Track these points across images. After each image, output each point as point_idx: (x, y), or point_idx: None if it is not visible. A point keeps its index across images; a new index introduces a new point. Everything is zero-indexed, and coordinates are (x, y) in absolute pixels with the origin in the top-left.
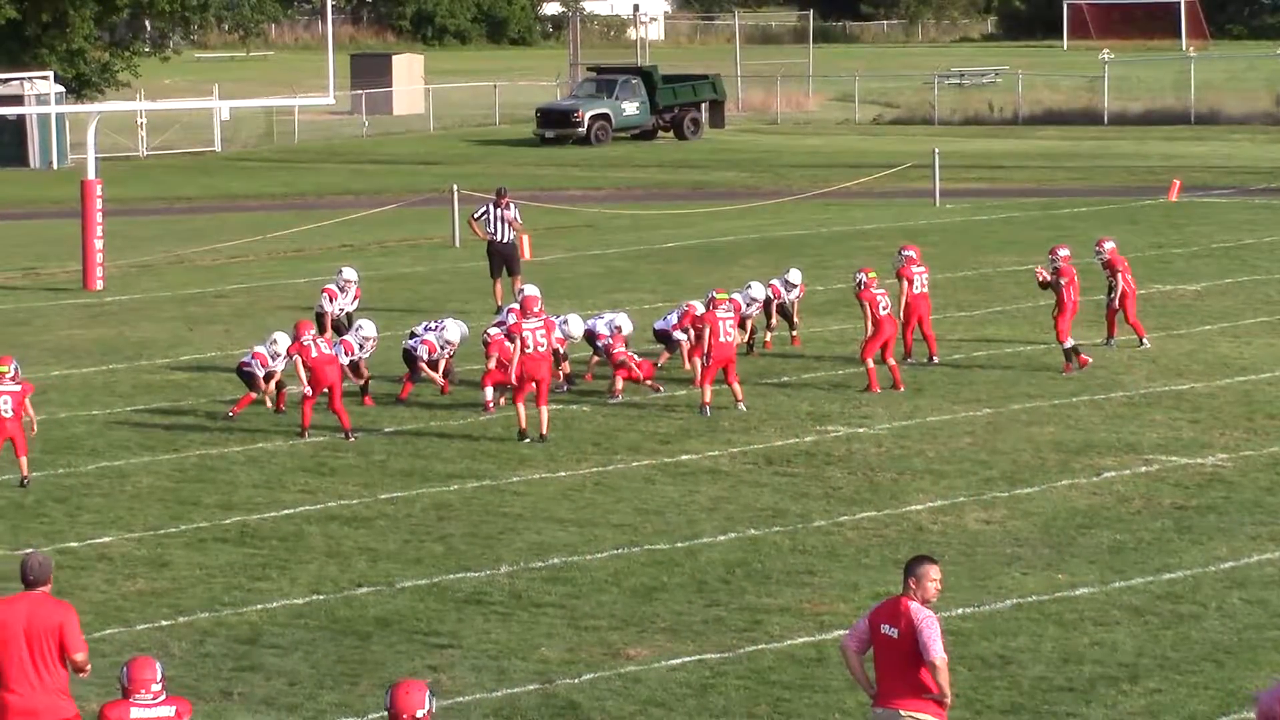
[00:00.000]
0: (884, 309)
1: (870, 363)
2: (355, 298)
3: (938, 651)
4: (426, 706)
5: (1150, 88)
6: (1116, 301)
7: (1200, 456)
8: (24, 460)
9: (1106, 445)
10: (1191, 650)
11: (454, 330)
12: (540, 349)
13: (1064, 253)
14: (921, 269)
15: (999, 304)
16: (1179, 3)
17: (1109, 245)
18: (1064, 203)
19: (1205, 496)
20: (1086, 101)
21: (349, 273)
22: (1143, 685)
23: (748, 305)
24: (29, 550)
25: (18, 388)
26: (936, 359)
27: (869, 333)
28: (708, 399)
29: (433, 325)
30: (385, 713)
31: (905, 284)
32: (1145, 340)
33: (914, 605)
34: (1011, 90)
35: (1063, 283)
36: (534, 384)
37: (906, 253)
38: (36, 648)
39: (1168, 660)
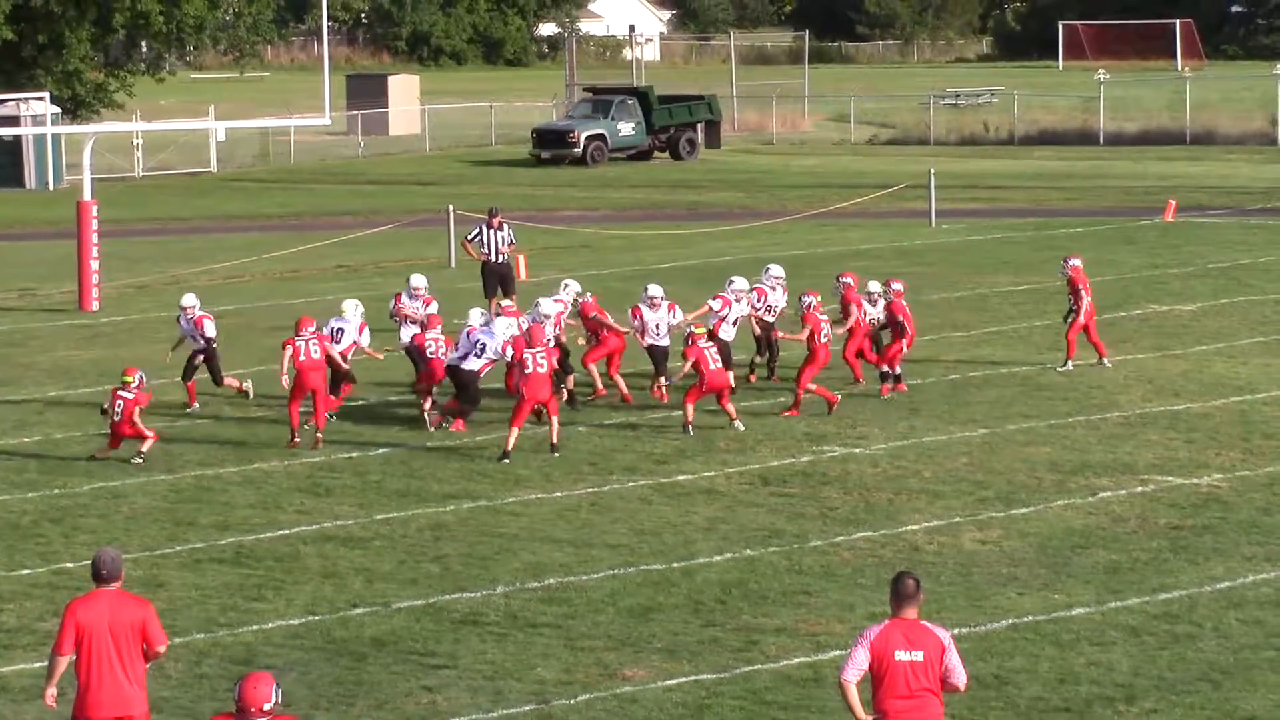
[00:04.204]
0: (825, 336)
1: (812, 387)
2: (426, 304)
3: (965, 673)
4: (274, 699)
5: (1146, 108)
6: (1082, 318)
7: (1196, 477)
8: (148, 445)
9: (1102, 465)
10: (1188, 670)
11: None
12: (540, 370)
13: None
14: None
15: (995, 324)
16: (1174, 23)
17: (1074, 262)
18: (1060, 223)
19: (1201, 517)
20: (1082, 122)
21: (417, 280)
22: (1139, 706)
23: (737, 300)
24: (101, 547)
25: (131, 396)
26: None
27: (809, 358)
28: (690, 418)
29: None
30: (234, 705)
31: (855, 308)
32: (1106, 360)
33: (932, 626)
34: (1007, 110)
35: (900, 319)
36: (536, 405)
37: (845, 280)
38: (122, 643)
39: (1164, 680)
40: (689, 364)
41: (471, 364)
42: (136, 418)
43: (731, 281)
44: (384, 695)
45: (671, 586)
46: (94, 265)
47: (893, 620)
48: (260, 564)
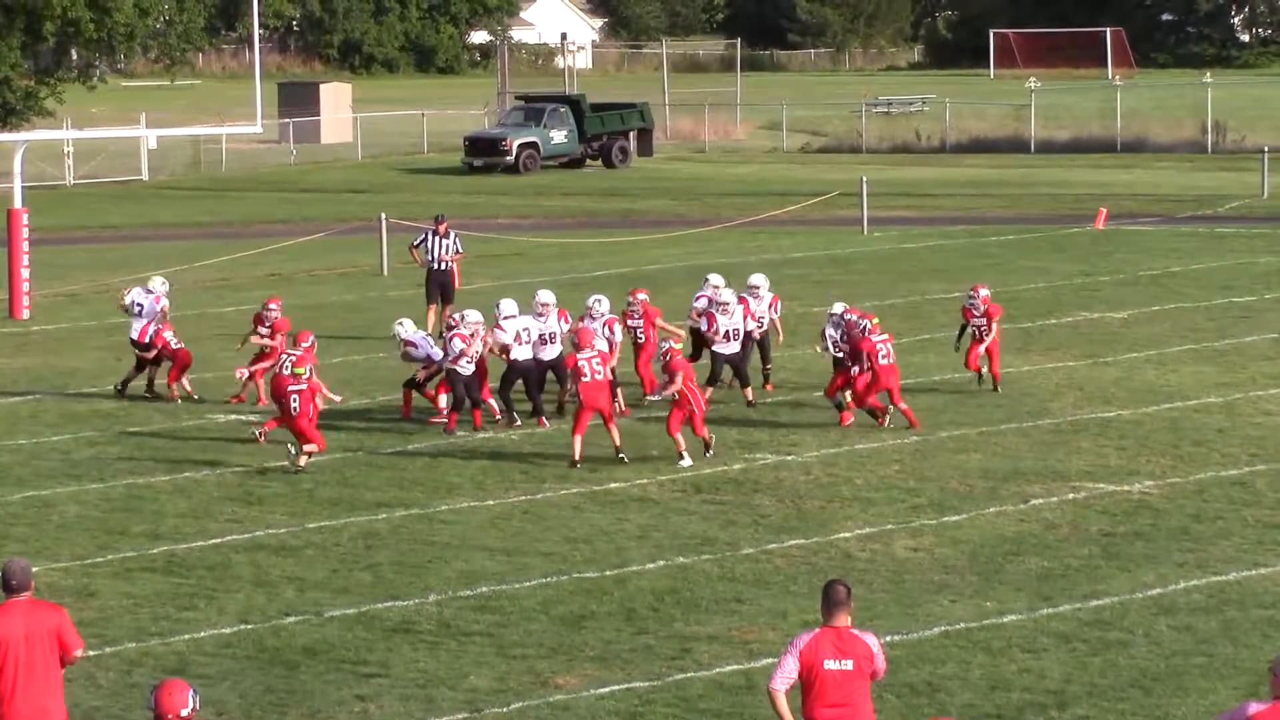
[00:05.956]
0: (884, 357)
1: (845, 400)
2: (561, 317)
3: (884, 668)
4: (190, 705)
5: (1077, 116)
6: (983, 347)
7: (1127, 484)
8: None
9: (1034, 472)
10: (1119, 677)
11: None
12: (598, 377)
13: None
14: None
15: (927, 332)
16: (1105, 32)
17: (984, 292)
18: (991, 230)
19: (1132, 524)
20: (1013, 129)
21: (545, 295)
22: (1071, 712)
23: (722, 313)
24: (9, 559)
25: (304, 387)
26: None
27: (869, 379)
28: (681, 447)
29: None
30: (151, 714)
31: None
32: (999, 386)
33: (861, 633)
34: (939, 118)
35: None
36: (595, 413)
37: (641, 296)
38: (38, 651)
39: (1095, 687)
40: (675, 384)
41: (519, 353)
42: (313, 410)
43: (717, 289)
44: (316, 704)
45: (604, 594)
46: (24, 273)
47: (823, 628)
48: (192, 573)
